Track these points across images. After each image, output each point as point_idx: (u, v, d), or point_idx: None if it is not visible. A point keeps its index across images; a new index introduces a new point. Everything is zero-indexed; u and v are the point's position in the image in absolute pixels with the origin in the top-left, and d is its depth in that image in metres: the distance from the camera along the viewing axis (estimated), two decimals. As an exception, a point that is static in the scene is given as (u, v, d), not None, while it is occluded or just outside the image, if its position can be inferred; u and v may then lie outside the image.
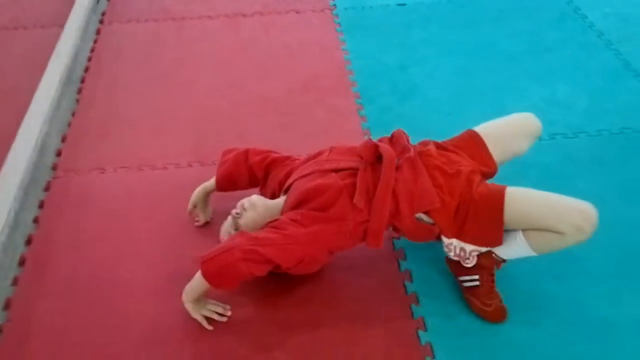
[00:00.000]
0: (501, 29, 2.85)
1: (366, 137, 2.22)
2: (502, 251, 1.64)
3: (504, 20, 2.92)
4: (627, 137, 2.26)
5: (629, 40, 2.75)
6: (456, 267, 1.69)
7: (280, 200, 1.74)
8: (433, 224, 1.63)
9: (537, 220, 1.55)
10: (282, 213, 1.69)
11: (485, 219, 1.58)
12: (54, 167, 2.16)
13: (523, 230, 1.58)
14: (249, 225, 1.67)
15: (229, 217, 1.73)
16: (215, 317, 1.65)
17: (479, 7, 3.03)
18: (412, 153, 1.66)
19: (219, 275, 1.56)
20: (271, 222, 1.63)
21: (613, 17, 2.92)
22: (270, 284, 1.71)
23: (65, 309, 1.70)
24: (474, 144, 1.75)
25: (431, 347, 1.58)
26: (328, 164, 1.72)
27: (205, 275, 1.55)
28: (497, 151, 1.76)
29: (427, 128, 2.26)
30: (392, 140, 1.75)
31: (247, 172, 1.87)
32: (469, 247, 1.61)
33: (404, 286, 1.74)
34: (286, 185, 1.77)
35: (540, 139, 2.19)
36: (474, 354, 1.58)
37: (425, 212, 1.62)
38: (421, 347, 1.59)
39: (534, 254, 1.60)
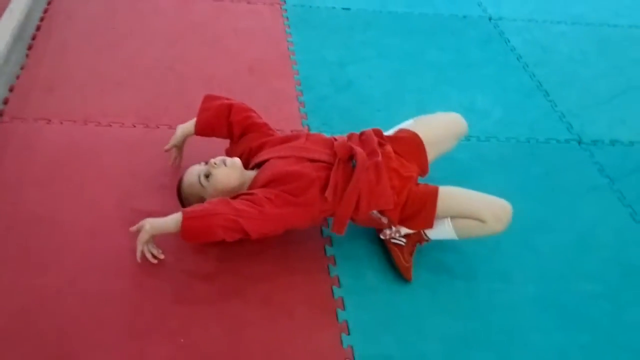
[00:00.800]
0: (432, 42, 3.13)
1: (304, 122, 2.44)
2: (431, 233, 1.90)
3: (435, 35, 3.20)
4: (531, 145, 2.56)
5: (543, 64, 3.10)
6: (387, 233, 1.92)
7: (253, 173, 1.90)
8: (382, 219, 1.85)
9: (463, 211, 1.83)
10: (252, 185, 1.85)
11: (423, 212, 1.85)
12: (1, 114, 2.23)
13: (451, 217, 1.85)
14: (219, 179, 1.81)
15: (202, 163, 1.87)
16: (149, 256, 1.77)
17: (414, 21, 3.30)
18: (379, 158, 1.85)
19: (196, 233, 1.71)
20: (243, 193, 1.79)
21: (532, 43, 3.27)
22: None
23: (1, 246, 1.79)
24: (417, 151, 2.02)
25: (342, 301, 1.79)
26: (305, 152, 1.90)
27: (184, 229, 1.68)
28: (432, 154, 2.06)
29: (358, 119, 2.50)
30: (362, 138, 1.95)
31: (227, 127, 2.02)
32: (404, 231, 1.90)
33: (324, 249, 1.94)
34: (259, 159, 1.93)
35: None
36: (378, 307, 1.80)
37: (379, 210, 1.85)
38: (334, 300, 1.79)
39: (456, 238, 1.87)
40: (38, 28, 2.71)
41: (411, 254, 1.91)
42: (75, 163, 2.08)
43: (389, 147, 1.95)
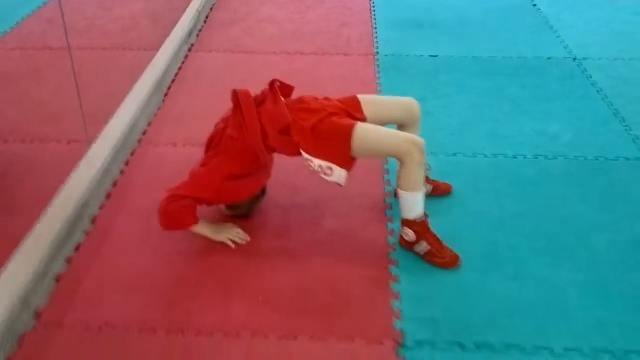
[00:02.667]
0: (513, 80, 3.40)
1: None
2: (406, 212, 2.11)
3: (517, 74, 3.47)
4: (599, 163, 2.70)
5: (623, 96, 3.22)
6: (408, 244, 2.15)
7: None
8: (292, 138, 2.07)
9: (378, 149, 2.07)
10: None
11: (336, 141, 2.03)
12: (140, 141, 2.84)
13: (399, 186, 2.08)
14: None
15: None
16: (238, 240, 2.21)
17: (498, 64, 3.60)
18: (267, 88, 2.19)
19: (169, 222, 2.12)
20: None
21: (615, 79, 3.40)
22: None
23: (134, 224, 2.31)
24: (350, 101, 2.23)
25: (398, 277, 2.07)
26: (222, 117, 2.29)
27: (164, 227, 2.12)
28: (370, 110, 2.21)
29: (432, 142, 2.78)
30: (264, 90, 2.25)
31: None
32: (325, 164, 2.05)
33: (386, 238, 2.25)
34: None
35: (523, 157, 2.72)
36: (428, 283, 2.06)
37: (288, 133, 2.08)
38: (391, 276, 2.07)
39: (414, 192, 2.06)
40: (173, 81, 3.38)
41: (440, 246, 2.10)
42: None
43: (307, 97, 2.22)
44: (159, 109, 3.11)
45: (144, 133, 2.91)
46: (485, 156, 2.74)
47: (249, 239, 2.23)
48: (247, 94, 2.19)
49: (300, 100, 2.23)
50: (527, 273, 2.10)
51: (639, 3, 4.47)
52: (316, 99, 2.24)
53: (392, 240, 2.24)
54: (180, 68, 3.51)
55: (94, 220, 2.34)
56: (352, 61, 3.62)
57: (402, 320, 1.90)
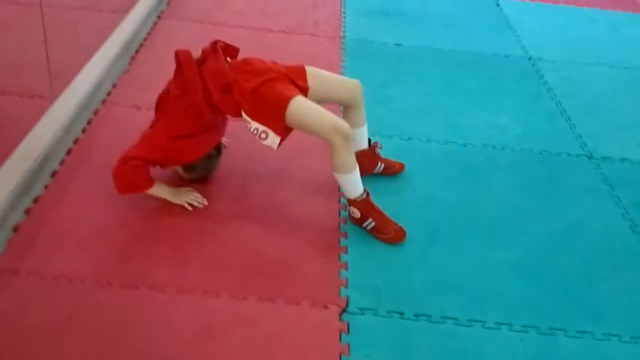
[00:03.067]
0: (470, 73, 3.55)
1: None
2: (347, 192, 2.23)
3: (474, 68, 3.62)
4: (543, 157, 2.87)
5: (571, 97, 3.41)
6: (356, 221, 2.26)
7: None
8: (234, 96, 2.14)
9: (307, 126, 2.13)
10: None
11: (273, 108, 2.12)
12: (103, 102, 2.87)
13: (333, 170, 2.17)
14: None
15: None
16: (195, 203, 2.28)
17: (458, 56, 3.75)
18: (208, 47, 2.24)
19: (123, 184, 2.17)
20: None
21: (565, 80, 3.59)
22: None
23: (94, 181, 2.36)
24: (295, 69, 2.29)
25: (347, 248, 2.19)
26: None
27: (120, 191, 2.17)
28: (314, 83, 2.28)
29: (391, 126, 2.94)
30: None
31: None
32: (261, 127, 2.14)
33: (339, 212, 2.36)
34: None
35: (473, 145, 2.87)
36: (374, 254, 2.19)
37: (230, 92, 2.15)
38: (340, 247, 2.19)
39: (346, 174, 2.16)
40: (141, 45, 3.40)
41: (385, 221, 2.21)
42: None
43: (253, 58, 2.28)
44: (124, 72, 3.13)
45: (108, 94, 2.94)
46: (438, 142, 2.87)
47: (206, 202, 2.30)
48: (188, 53, 2.24)
49: (245, 61, 2.28)
50: (465, 251, 2.25)
51: (596, 11, 4.69)
52: (262, 61, 2.29)
53: (344, 213, 2.35)
54: (148, 34, 3.53)
55: (53, 175, 2.38)
56: (319, 42, 3.71)
57: (348, 288, 2.02)
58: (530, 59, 3.81)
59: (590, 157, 2.89)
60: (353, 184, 2.21)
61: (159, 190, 2.26)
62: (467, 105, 3.24)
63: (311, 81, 2.30)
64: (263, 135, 2.16)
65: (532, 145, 2.95)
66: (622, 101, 3.44)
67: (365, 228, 2.25)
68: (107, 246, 2.09)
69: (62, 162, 2.45)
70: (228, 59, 2.31)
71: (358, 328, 1.89)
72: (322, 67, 3.42)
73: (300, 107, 2.14)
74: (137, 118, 2.78)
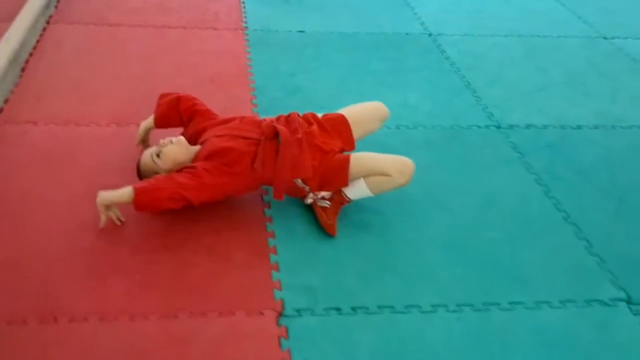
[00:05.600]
0: (374, 55, 3.57)
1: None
2: (349, 193, 2.26)
3: (378, 49, 3.65)
4: (454, 131, 2.95)
5: (473, 69, 3.51)
6: (323, 197, 2.28)
7: (196, 147, 2.28)
8: (305, 187, 2.23)
9: (372, 169, 2.20)
10: (195, 158, 2.23)
11: (337, 175, 2.23)
12: (-4, 121, 2.66)
13: (364, 177, 2.21)
14: (168, 155, 2.20)
15: (153, 146, 2.27)
16: (114, 219, 2.15)
17: (361, 39, 3.76)
18: (300, 135, 2.24)
19: (146, 205, 2.11)
20: (187, 167, 2.17)
21: (465, 53, 3.69)
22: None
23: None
24: (343, 128, 2.41)
25: (275, 248, 2.15)
26: (238, 131, 2.28)
27: (136, 202, 2.07)
28: (357, 132, 2.43)
29: (304, 115, 2.91)
30: (288, 119, 2.34)
31: (177, 115, 2.43)
32: (326, 194, 2.27)
33: (263, 211, 2.31)
34: (202, 138, 2.32)
35: (387, 127, 2.90)
36: (305, 252, 2.16)
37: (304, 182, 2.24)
38: (269, 248, 2.15)
39: (371, 194, 2.24)
40: (31, 54, 3.17)
41: (335, 214, 2.26)
42: (55, 154, 2.49)
43: (314, 127, 2.34)
44: (15, 85, 2.91)
45: (0, 111, 2.72)
46: (353, 128, 2.88)
47: (123, 219, 2.18)
48: (289, 137, 2.21)
49: (312, 134, 2.28)
50: (393, 236, 2.28)
51: (487, -17, 4.84)
52: (321, 134, 2.32)
53: (269, 212, 2.31)
54: (38, 41, 3.29)
55: (-52, 207, 2.19)
56: (222, 35, 3.60)
57: (281, 290, 1.99)
58: (430, 35, 3.88)
59: (499, 127, 2.99)
60: (360, 194, 2.27)
61: (108, 195, 2.12)
62: (376, 86, 3.26)
63: (355, 132, 2.43)
64: (327, 196, 2.28)
65: (443, 120, 3.01)
66: (521, 69, 3.57)
67: (315, 199, 2.27)
68: (18, 279, 1.94)
69: (-45, 194, 2.26)
70: (306, 144, 2.26)
71: (297, 331, 1.86)
72: (227, 62, 3.39)
73: (358, 161, 2.23)
74: (34, 134, 2.60)
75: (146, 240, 2.14)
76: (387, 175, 2.19)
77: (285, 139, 2.20)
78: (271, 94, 3.08)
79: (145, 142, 2.49)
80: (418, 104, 3.13)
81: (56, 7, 3.69)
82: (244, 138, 2.24)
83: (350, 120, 2.42)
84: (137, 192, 2.06)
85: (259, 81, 3.18)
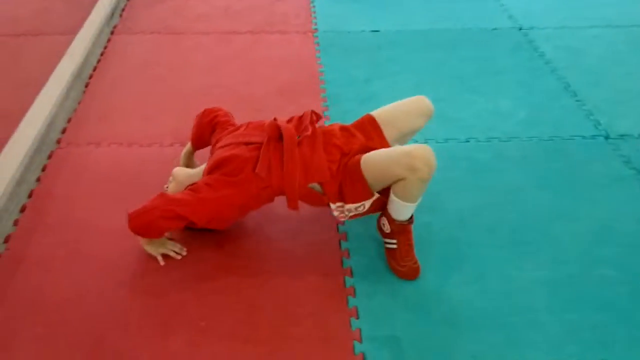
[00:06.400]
0: (456, 55, 3.24)
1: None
2: (392, 211, 1.92)
3: (460, 48, 3.31)
4: (554, 143, 2.59)
5: (572, 67, 3.12)
6: (381, 231, 2.00)
7: (203, 166, 2.05)
8: (322, 194, 1.93)
9: (385, 171, 1.84)
10: (202, 175, 2.00)
11: (354, 182, 1.88)
12: (58, 141, 2.53)
13: (392, 191, 1.87)
14: (173, 192, 2.00)
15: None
16: (172, 254, 1.98)
17: (440, 37, 3.42)
18: (309, 132, 1.94)
19: (144, 229, 1.90)
20: (191, 184, 1.96)
21: (562, 49, 3.29)
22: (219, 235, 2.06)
23: (54, 243, 2.04)
24: (370, 127, 2.04)
25: (354, 289, 1.90)
26: (242, 137, 2.01)
27: (132, 230, 1.89)
28: (392, 131, 2.04)
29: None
30: (301, 118, 2.03)
31: (204, 131, 2.21)
32: (352, 206, 1.91)
33: (339, 243, 2.06)
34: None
35: (476, 140, 2.59)
36: (386, 295, 1.88)
37: (319, 183, 1.91)
38: (346, 288, 1.89)
39: (409, 203, 1.87)
40: (95, 69, 3.05)
41: (408, 254, 1.94)
42: (119, 177, 2.33)
43: (335, 126, 2.03)
44: (79, 103, 2.78)
45: (63, 132, 2.59)
46: (437, 141, 2.57)
47: (184, 252, 2.00)
48: (292, 134, 1.92)
49: (331, 133, 1.99)
50: (489, 273, 1.97)
51: (579, -33, 4.38)
52: (342, 134, 2.01)
53: (345, 245, 2.06)
54: (102, 54, 3.17)
55: (6, 240, 2.06)
56: (290, 39, 3.37)
57: (362, 342, 1.72)
58: (520, 29, 3.50)
59: (607, 137, 2.60)
60: (407, 212, 1.91)
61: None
62: (461, 92, 2.93)
63: (387, 132, 2.05)
64: (360, 209, 1.93)
65: (541, 130, 2.65)
66: (627, 66, 3.14)
67: (385, 243, 1.98)
68: (76, 326, 1.78)
69: (15, 223, 2.13)
70: (320, 142, 1.97)
71: (381, 395, 1.61)
72: (297, 69, 3.15)
73: (369, 162, 1.88)
74: (98, 156, 2.46)
75: (211, 279, 1.93)
76: (402, 179, 1.81)
77: (289, 136, 1.90)
78: (345, 104, 2.81)
79: (191, 166, 2.31)
80: (511, 111, 2.78)
81: (121, 16, 3.57)
82: (247, 144, 1.97)
83: (380, 119, 2.06)
84: (130, 217, 1.87)
85: (331, 89, 2.92)
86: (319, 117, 2.05)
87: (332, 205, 1.93)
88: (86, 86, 2.92)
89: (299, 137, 1.95)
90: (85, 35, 3.18)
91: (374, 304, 1.85)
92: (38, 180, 2.32)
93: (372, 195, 1.90)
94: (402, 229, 1.94)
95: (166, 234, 2.02)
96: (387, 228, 1.96)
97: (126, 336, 1.74)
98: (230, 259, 2.00)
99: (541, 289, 1.91)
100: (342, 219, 1.96)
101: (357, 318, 1.80)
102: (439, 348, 1.72)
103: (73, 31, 3.17)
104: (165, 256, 1.98)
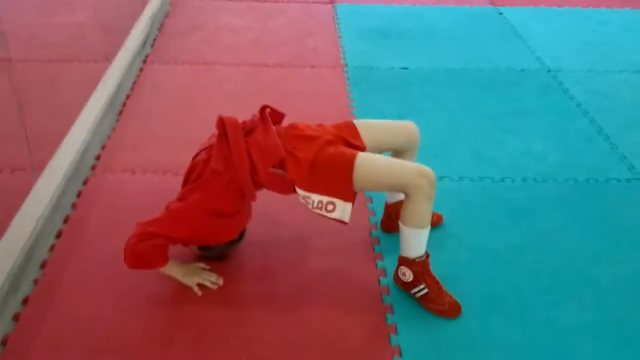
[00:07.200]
0: (488, 94, 3.25)
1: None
2: (406, 249, 1.90)
3: (492, 87, 3.33)
4: (590, 185, 2.57)
5: (604, 111, 3.12)
6: (404, 285, 1.94)
7: None
8: (285, 175, 1.86)
9: (382, 181, 1.84)
10: None
11: (337, 173, 1.83)
12: (93, 168, 2.53)
13: (403, 222, 1.85)
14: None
15: None
16: (208, 284, 1.96)
17: (470, 76, 3.45)
18: (257, 116, 1.95)
19: (136, 261, 1.86)
20: None
21: (592, 92, 3.31)
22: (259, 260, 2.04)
23: (91, 271, 2.02)
24: (346, 127, 2.01)
25: (395, 327, 1.86)
26: (201, 147, 2.04)
27: (129, 266, 1.85)
28: (368, 136, 2.00)
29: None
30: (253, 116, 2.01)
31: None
32: (325, 199, 1.84)
33: (378, 279, 2.04)
34: None
35: (512, 180, 2.58)
36: (430, 333, 1.85)
37: (281, 167, 1.87)
38: (387, 326, 1.86)
39: (420, 229, 1.85)
40: (128, 97, 3.07)
41: (440, 290, 1.90)
42: (153, 205, 2.30)
43: (300, 124, 2.00)
44: (113, 130, 2.80)
45: (97, 158, 2.60)
46: (472, 179, 2.57)
47: (221, 282, 1.98)
48: (234, 122, 1.92)
49: (293, 126, 1.99)
50: (531, 315, 1.93)
51: (604, 11, 4.43)
52: (309, 126, 2.00)
53: (385, 281, 2.03)
54: (134, 82, 3.20)
55: (43, 265, 2.04)
56: (320, 74, 3.40)
57: (408, 381, 1.69)
58: (549, 71, 3.53)
59: (642, 181, 2.60)
60: (420, 241, 1.89)
61: (170, 269, 1.94)
62: (493, 131, 2.93)
63: (365, 135, 2.01)
64: (330, 207, 1.85)
65: (576, 172, 2.64)
66: (659, 110, 3.16)
67: (413, 295, 1.93)
68: (115, 354, 1.75)
69: (51, 248, 2.11)
70: (273, 127, 1.98)
71: None
72: (328, 102, 3.17)
73: (368, 162, 1.85)
74: (133, 184, 2.46)
75: (251, 310, 1.90)
76: (405, 192, 1.81)
77: (232, 124, 1.89)
78: (378, 140, 2.82)
79: None
80: (544, 152, 2.78)
81: (152, 46, 3.62)
82: (204, 149, 2.00)
83: (359, 125, 2.02)
84: (124, 260, 1.85)
85: (364, 125, 2.93)
86: (279, 115, 2.06)
87: (301, 193, 1.87)
88: (119, 114, 2.93)
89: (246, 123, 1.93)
90: (119, 63, 3.21)
91: (417, 343, 1.81)
92: (73, 206, 2.31)
93: (350, 198, 1.83)
94: (424, 268, 1.91)
95: (200, 264, 2.02)
96: (409, 275, 1.91)
97: (165, 367, 1.71)
98: (266, 290, 1.98)
99: (586, 333, 1.87)
100: (314, 210, 1.89)
101: (400, 357, 1.76)
102: (486, 391, 1.68)
103: (107, 59, 3.20)
104: (202, 287, 1.96)
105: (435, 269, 1.95)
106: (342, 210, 1.85)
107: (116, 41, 3.37)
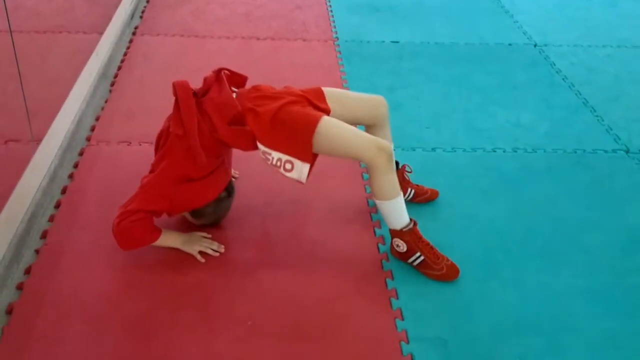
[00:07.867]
0: (478, 68, 3.30)
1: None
2: (391, 222, 1.94)
3: (481, 61, 3.37)
4: (578, 156, 2.64)
5: (589, 84, 3.19)
6: (401, 256, 1.98)
7: None
8: (246, 128, 1.88)
9: (339, 149, 1.86)
10: None
11: (298, 133, 1.84)
12: (88, 139, 2.52)
13: (376, 198, 1.90)
14: None
15: None
16: (210, 252, 1.98)
17: (461, 50, 3.49)
18: (210, 76, 1.98)
19: (127, 242, 1.89)
20: None
21: (578, 66, 3.37)
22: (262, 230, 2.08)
23: (91, 240, 2.03)
24: (312, 91, 2.02)
25: (396, 291, 1.91)
26: (166, 118, 2.04)
27: (124, 248, 1.90)
28: (334, 103, 2.01)
29: (407, 136, 2.66)
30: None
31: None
32: (284, 157, 1.86)
33: (377, 246, 2.08)
34: None
35: (503, 150, 2.63)
36: (429, 296, 1.91)
37: (242, 124, 1.89)
38: (388, 290, 1.91)
39: (391, 199, 1.89)
40: (119, 68, 3.05)
41: (436, 255, 1.94)
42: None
43: (264, 85, 2.02)
44: (106, 101, 2.79)
45: (92, 129, 2.59)
46: (465, 150, 2.62)
47: (222, 250, 2.01)
48: (185, 85, 1.93)
49: (255, 88, 2.00)
50: (526, 279, 2.00)
51: (588, -13, 4.49)
52: (272, 87, 2.02)
53: (383, 248, 2.08)
54: (125, 54, 3.18)
55: (43, 235, 2.04)
56: (312, 47, 3.40)
57: (409, 343, 1.74)
58: (535, 45, 3.58)
59: (627, 152, 2.67)
60: (399, 211, 1.93)
61: (167, 240, 1.97)
62: (484, 104, 2.98)
63: (331, 102, 2.02)
64: (288, 166, 1.87)
65: (564, 143, 2.71)
66: (642, 84, 3.24)
67: (411, 264, 1.98)
68: (121, 321, 1.77)
69: (51, 218, 2.11)
70: (234, 89, 2.01)
71: (434, 396, 1.62)
72: (320, 75, 3.18)
73: (330, 127, 1.86)
74: (129, 154, 2.46)
75: (254, 277, 1.94)
76: (367, 162, 1.84)
77: (181, 87, 1.92)
78: (371, 112, 2.85)
79: None
80: (533, 124, 2.84)
81: (141, 17, 3.58)
82: (168, 119, 2.02)
83: (327, 92, 2.03)
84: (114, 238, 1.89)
85: (357, 97, 2.95)
86: (241, 77, 2.07)
87: (262, 148, 1.89)
88: (112, 85, 2.92)
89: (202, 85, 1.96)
90: (109, 34, 3.17)
91: (417, 306, 1.87)
92: (71, 177, 2.31)
93: (309, 159, 1.84)
94: (415, 236, 1.95)
95: (201, 233, 2.04)
96: (402, 246, 1.95)
97: (172, 334, 1.74)
98: (266, 257, 2.02)
99: (579, 296, 1.95)
100: (268, 164, 1.91)
101: (402, 319, 1.82)
102: (484, 350, 1.75)
103: (95, 30, 3.16)
104: (204, 255, 1.99)
105: (431, 238, 2.00)
106: (300, 171, 1.86)
107: (105, 12, 3.33)
